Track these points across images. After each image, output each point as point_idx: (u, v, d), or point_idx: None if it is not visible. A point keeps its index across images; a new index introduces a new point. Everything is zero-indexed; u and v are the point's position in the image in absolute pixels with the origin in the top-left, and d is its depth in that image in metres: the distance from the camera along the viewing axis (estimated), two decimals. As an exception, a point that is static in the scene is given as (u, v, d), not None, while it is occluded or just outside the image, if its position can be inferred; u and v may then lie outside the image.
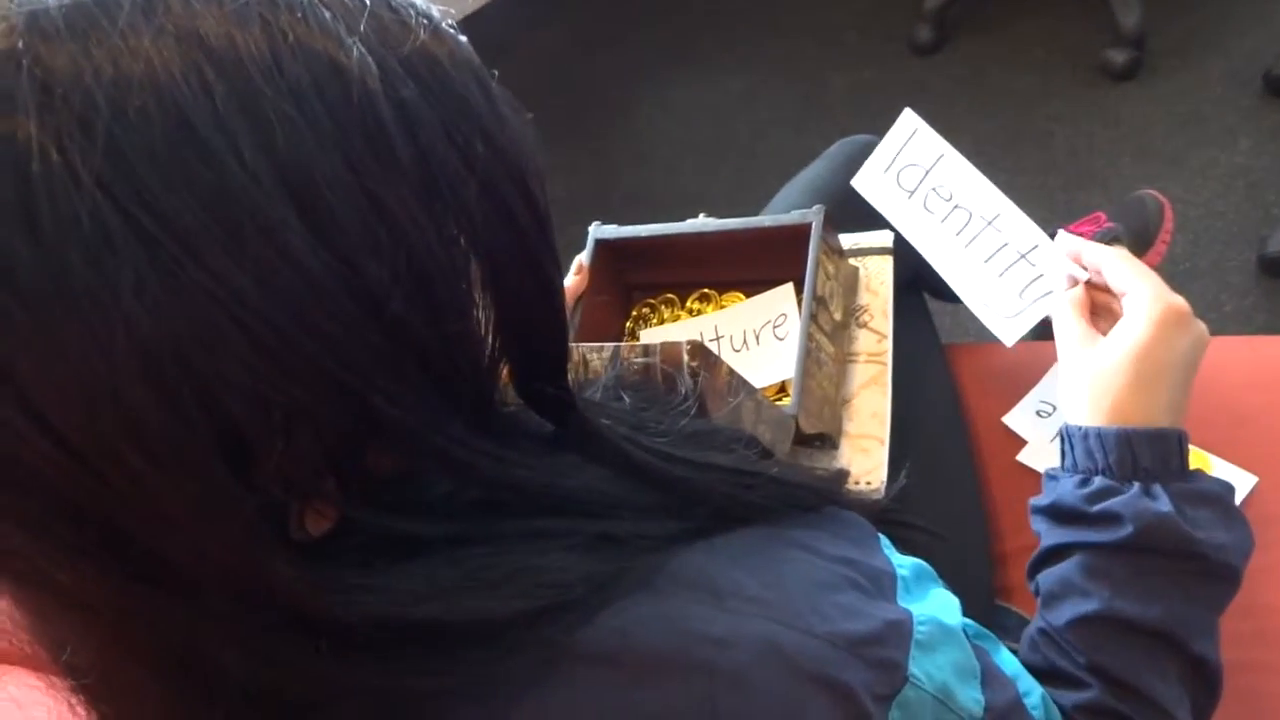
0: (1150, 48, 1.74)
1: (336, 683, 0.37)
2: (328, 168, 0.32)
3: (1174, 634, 0.56)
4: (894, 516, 0.63)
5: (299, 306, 0.32)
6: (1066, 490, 0.61)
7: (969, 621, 0.52)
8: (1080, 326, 0.66)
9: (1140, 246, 1.35)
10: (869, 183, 0.87)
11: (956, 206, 0.81)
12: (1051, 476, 0.64)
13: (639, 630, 0.40)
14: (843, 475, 0.60)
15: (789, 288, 0.92)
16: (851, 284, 0.92)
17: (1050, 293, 0.76)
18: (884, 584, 0.47)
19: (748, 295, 0.95)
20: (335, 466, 0.36)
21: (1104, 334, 0.64)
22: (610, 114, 2.16)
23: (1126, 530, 0.57)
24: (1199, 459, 0.86)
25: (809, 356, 0.80)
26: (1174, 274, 1.48)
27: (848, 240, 0.93)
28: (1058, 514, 0.61)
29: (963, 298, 0.82)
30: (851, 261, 0.92)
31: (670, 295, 0.99)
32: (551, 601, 0.39)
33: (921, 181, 0.83)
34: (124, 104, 0.30)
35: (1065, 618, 0.58)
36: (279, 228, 0.31)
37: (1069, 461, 0.62)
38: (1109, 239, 1.33)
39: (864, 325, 0.90)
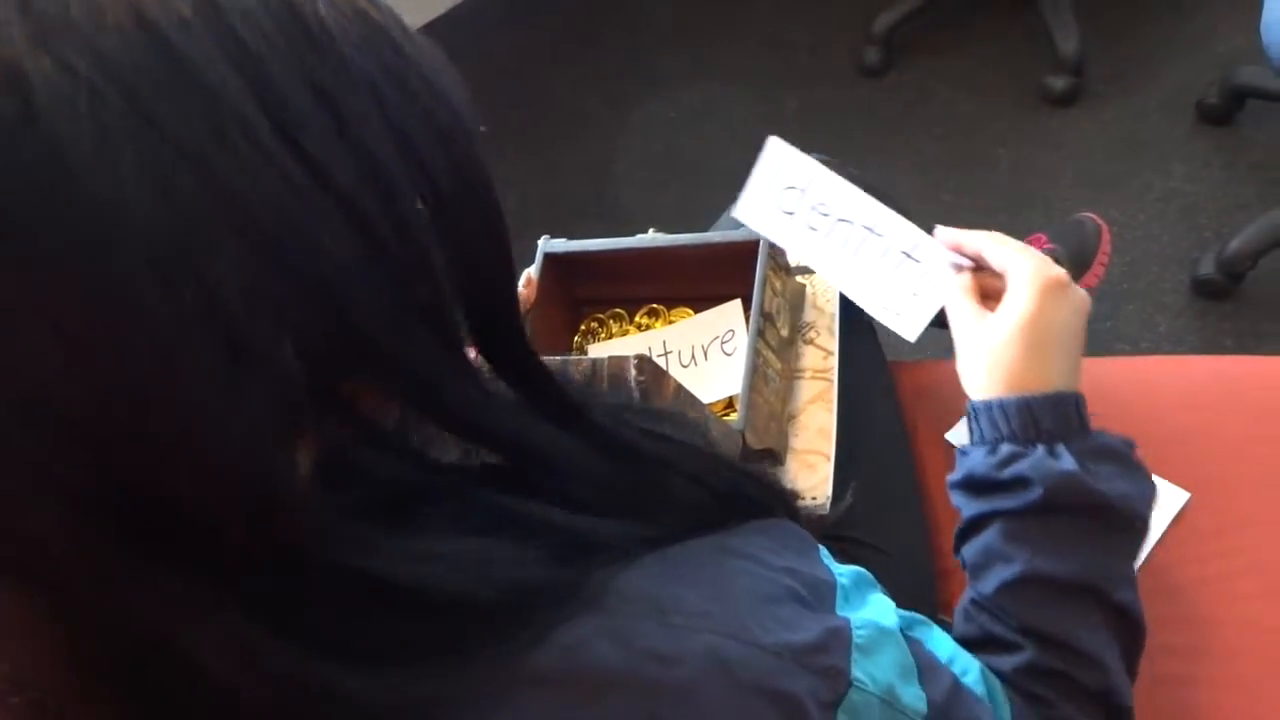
0: (1089, 75, 1.79)
1: (298, 680, 0.36)
2: (288, 74, 0.34)
3: (1095, 585, 0.59)
4: (839, 531, 0.63)
5: (281, 203, 0.33)
6: (977, 461, 0.63)
7: (903, 612, 0.53)
8: (971, 307, 0.69)
9: (1079, 268, 1.38)
10: (750, 212, 0.87)
11: (838, 220, 0.82)
12: (962, 452, 0.65)
13: (584, 649, 0.40)
14: (791, 495, 0.60)
15: (737, 304, 0.92)
16: (798, 301, 0.92)
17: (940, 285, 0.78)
18: (824, 594, 0.48)
19: (696, 311, 0.95)
20: (318, 388, 0.36)
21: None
22: (563, 127, 2.16)
23: (1036, 492, 0.59)
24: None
25: (756, 372, 0.81)
26: (1111, 294, 1.51)
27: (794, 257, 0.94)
28: (972, 486, 0.63)
29: (862, 305, 0.83)
30: (798, 279, 0.93)
31: (619, 310, 0.99)
32: (518, 600, 0.39)
33: (799, 203, 0.84)
34: (99, 18, 0.31)
35: (992, 585, 0.60)
36: (257, 129, 0.33)
37: (976, 435, 0.65)
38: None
39: (810, 342, 0.91)
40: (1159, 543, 0.84)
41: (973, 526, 0.63)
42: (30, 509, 0.32)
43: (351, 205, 0.35)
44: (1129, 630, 0.60)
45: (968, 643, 0.59)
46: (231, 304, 0.32)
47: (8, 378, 0.31)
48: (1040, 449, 0.60)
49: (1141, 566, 0.83)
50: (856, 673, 0.45)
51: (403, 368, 0.38)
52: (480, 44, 2.30)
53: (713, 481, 0.48)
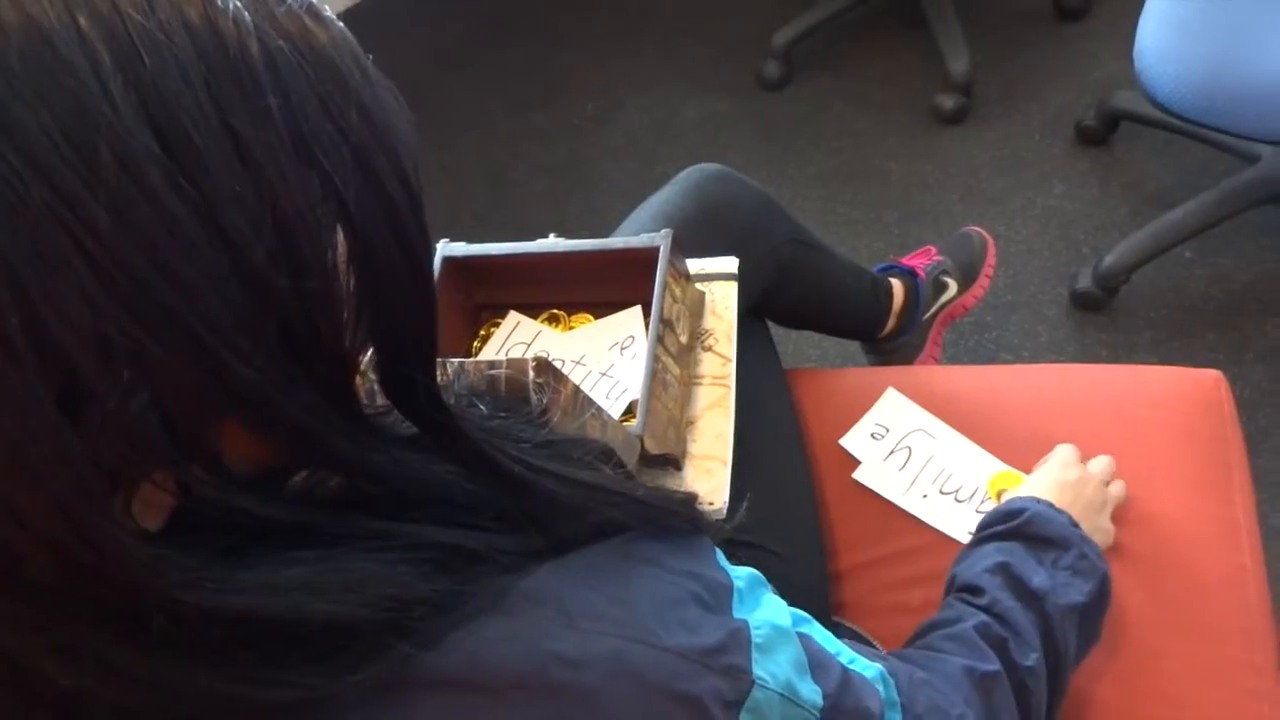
0: (977, 95, 1.86)
1: (164, 687, 0.35)
2: (194, 104, 0.31)
3: (1046, 600, 0.69)
4: (735, 535, 0.64)
5: (152, 243, 0.30)
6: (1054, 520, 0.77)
7: (791, 610, 0.54)
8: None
9: (966, 279, 1.43)
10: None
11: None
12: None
13: (488, 652, 0.40)
14: (692, 499, 0.61)
15: (637, 310, 0.93)
16: (697, 308, 0.93)
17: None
18: (722, 596, 0.48)
19: (596, 317, 0.95)
20: (181, 435, 0.34)
21: None
22: (463, 131, 2.14)
23: (1023, 517, 0.75)
24: (1011, 478, 0.92)
25: (655, 378, 0.81)
26: (996, 306, 1.58)
27: (694, 265, 0.95)
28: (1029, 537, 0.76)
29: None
30: (698, 286, 0.94)
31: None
32: (397, 615, 0.38)
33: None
34: None
35: (976, 569, 0.72)
36: (139, 158, 0.30)
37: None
38: (939, 272, 1.40)
39: (709, 349, 0.92)
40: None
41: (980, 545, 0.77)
42: None
43: (241, 255, 0.32)
44: (1056, 665, 0.69)
45: (940, 623, 0.69)
46: (67, 344, 0.29)
47: None
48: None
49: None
50: (758, 671, 0.46)
51: (283, 419, 0.36)
52: (381, 43, 2.26)
53: (615, 515, 0.47)
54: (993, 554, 0.73)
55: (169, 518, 0.36)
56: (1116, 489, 0.88)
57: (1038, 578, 0.70)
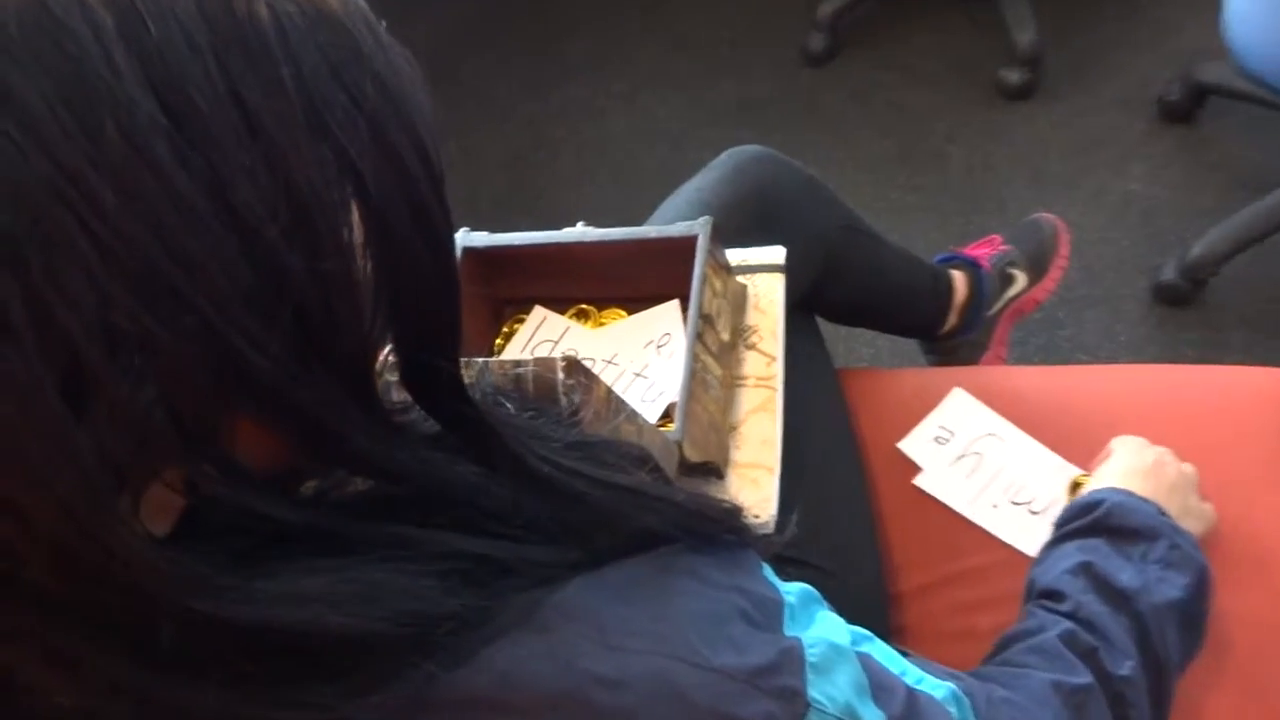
0: (1045, 68, 1.83)
1: (171, 706, 0.35)
2: (200, 73, 0.32)
3: (1137, 599, 0.68)
4: (782, 552, 0.63)
5: (159, 220, 0.31)
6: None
7: (850, 627, 0.54)
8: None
9: (1036, 271, 1.40)
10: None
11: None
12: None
13: (521, 670, 0.40)
14: (737, 510, 0.60)
15: (674, 305, 0.92)
16: (740, 302, 0.92)
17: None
18: (772, 612, 0.48)
19: (629, 312, 0.95)
20: (191, 429, 0.34)
21: None
22: (482, 113, 2.15)
23: (1102, 509, 0.74)
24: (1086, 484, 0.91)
25: (694, 379, 0.80)
26: (1069, 301, 1.55)
27: (735, 255, 0.94)
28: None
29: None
30: (740, 278, 0.93)
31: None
32: (421, 631, 0.38)
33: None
34: None
35: (1055, 571, 0.71)
36: (144, 129, 0.30)
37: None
38: (1005, 263, 1.38)
39: (752, 347, 0.91)
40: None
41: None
42: None
43: (253, 234, 0.33)
44: (1158, 672, 0.67)
45: (1020, 634, 0.68)
46: (71, 329, 0.30)
47: None
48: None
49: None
50: (813, 693, 0.45)
51: (298, 412, 0.37)
52: (392, 19, 2.27)
53: (651, 522, 0.47)
54: (1073, 553, 0.72)
55: (178, 521, 0.37)
56: (1189, 469, 0.85)
57: (1125, 575, 0.69)
